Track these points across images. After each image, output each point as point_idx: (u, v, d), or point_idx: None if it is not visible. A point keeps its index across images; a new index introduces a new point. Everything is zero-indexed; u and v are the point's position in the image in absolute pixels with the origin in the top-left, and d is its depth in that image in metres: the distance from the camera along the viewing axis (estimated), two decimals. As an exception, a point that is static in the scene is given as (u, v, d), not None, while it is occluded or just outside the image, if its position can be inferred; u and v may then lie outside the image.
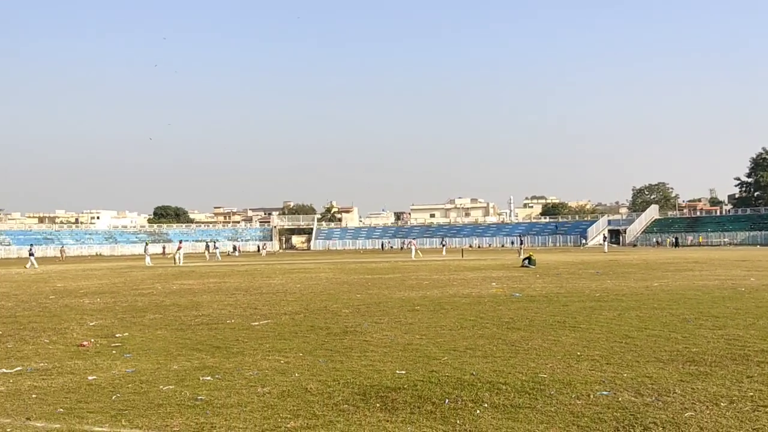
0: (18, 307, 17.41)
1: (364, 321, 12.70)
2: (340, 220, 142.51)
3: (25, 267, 44.55)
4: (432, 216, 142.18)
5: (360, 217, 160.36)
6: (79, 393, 7.32)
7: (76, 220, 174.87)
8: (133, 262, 59.92)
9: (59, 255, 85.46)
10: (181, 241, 54.13)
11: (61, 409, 6.68)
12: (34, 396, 7.21)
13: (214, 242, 70.77)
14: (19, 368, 8.76)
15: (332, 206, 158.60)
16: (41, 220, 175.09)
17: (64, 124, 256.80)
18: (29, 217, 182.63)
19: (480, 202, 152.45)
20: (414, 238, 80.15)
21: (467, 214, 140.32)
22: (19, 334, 12.09)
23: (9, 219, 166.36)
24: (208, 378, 7.91)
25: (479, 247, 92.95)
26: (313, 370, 8.19)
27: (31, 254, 49.53)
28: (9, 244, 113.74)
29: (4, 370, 8.62)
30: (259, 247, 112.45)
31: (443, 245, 67.06)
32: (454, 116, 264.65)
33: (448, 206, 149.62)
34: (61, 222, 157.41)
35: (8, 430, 6.33)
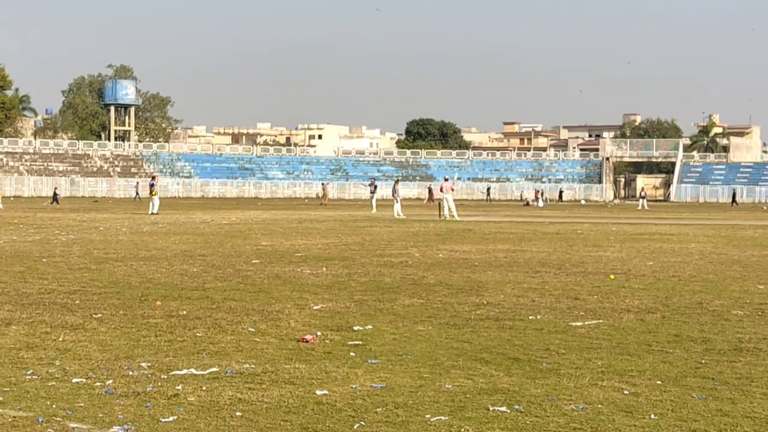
0: (207, 274, 19.40)
1: (772, 332, 12.47)
2: (725, 148, 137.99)
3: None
4: None
5: (764, 143, 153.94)
6: (303, 415, 7.96)
7: (287, 140, 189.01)
8: (372, 209, 63.32)
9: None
10: (448, 178, 55.73)
11: (280, 438, 7.36)
12: (238, 414, 7.96)
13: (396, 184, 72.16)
14: (214, 369, 9.75)
15: (712, 123, 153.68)
16: (236, 138, 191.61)
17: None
18: (218, 133, 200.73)
19: None
20: None
21: None
22: (212, 317, 13.46)
23: (190, 136, 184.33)
24: (503, 409, 8.20)
25: None
26: (682, 412, 8.18)
27: None
28: (189, 176, 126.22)
29: (194, 371, 9.63)
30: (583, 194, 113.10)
31: None
32: None
33: None
34: (266, 143, 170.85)
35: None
